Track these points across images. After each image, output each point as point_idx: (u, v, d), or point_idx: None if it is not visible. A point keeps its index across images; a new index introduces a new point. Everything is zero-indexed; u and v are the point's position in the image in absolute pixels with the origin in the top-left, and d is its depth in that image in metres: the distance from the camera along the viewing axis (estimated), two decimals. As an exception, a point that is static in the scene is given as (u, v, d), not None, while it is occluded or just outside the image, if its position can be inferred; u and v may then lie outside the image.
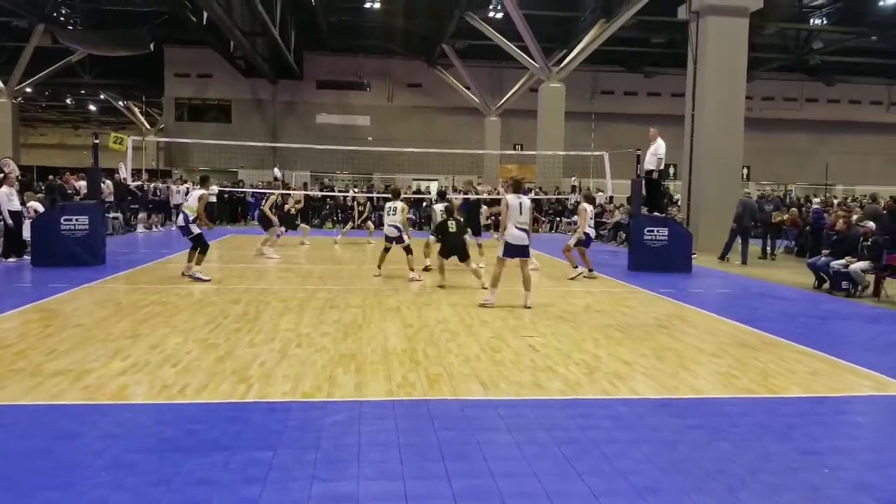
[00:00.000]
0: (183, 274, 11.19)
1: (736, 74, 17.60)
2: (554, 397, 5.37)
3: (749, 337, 7.76)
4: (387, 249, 11.99)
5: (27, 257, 12.86)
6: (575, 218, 25.92)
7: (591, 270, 12.56)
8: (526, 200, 9.37)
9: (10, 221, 13.03)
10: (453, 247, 11.04)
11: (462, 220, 11.64)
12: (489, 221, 17.74)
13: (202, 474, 3.76)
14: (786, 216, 18.36)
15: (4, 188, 13.17)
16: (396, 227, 11.73)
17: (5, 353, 6.24)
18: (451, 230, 11.07)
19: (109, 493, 3.51)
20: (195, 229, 11.19)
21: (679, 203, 20.79)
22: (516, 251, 9.27)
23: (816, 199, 24.61)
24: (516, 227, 9.19)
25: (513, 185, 9.85)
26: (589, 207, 12.86)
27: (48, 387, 5.26)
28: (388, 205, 12.04)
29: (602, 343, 7.25)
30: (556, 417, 4.88)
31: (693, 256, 14.25)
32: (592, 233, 13.06)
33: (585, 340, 7.35)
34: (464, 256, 11.01)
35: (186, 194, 24.31)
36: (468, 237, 13.49)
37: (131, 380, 5.50)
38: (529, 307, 9.17)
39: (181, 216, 11.50)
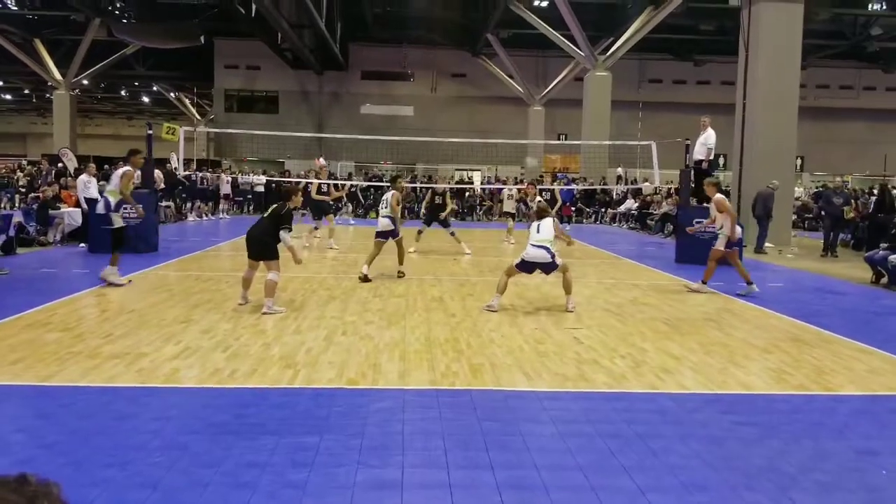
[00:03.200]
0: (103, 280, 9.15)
1: (790, 62, 17.07)
2: (599, 390, 5.32)
3: (803, 332, 7.56)
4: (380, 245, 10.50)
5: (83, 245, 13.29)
6: (622, 208, 25.81)
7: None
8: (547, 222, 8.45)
9: (86, 207, 13.47)
10: (253, 241, 7.99)
11: (282, 209, 8.01)
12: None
13: (251, 457, 3.85)
14: (853, 213, 17.19)
15: (84, 176, 14.10)
16: (390, 219, 10.47)
17: (64, 336, 6.46)
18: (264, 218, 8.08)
19: (164, 473, 3.61)
20: (117, 220, 9.30)
21: (729, 194, 20.30)
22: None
23: (875, 191, 23.75)
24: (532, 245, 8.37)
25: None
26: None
27: (105, 369, 5.44)
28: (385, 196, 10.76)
29: (648, 336, 7.14)
30: (600, 410, 4.83)
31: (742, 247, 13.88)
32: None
33: (631, 333, 7.26)
34: (269, 256, 7.87)
35: (235, 185, 24.90)
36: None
37: (183, 364, 5.64)
38: (572, 310, 8.37)
39: (102, 202, 9.52)
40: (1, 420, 4.44)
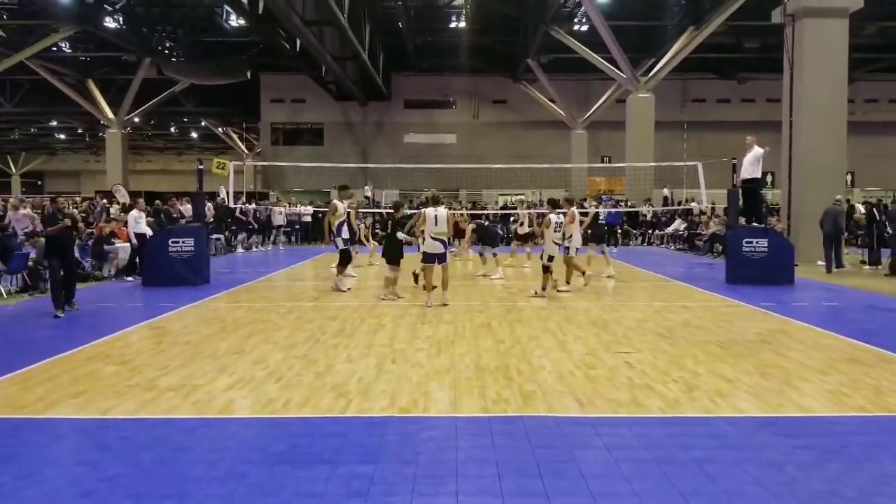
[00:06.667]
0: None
1: (836, 77, 16.78)
2: (653, 415, 5.25)
3: (860, 352, 7.34)
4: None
5: (138, 278, 13.68)
6: (669, 229, 25.46)
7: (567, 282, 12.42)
8: (441, 211, 10.56)
9: (135, 242, 14.07)
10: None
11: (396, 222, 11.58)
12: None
13: (308, 487, 3.90)
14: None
15: (134, 211, 14.44)
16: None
17: (122, 368, 6.66)
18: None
19: (222, 504, 3.69)
20: (339, 243, 12.48)
21: (779, 213, 19.91)
22: (433, 258, 10.57)
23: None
24: (432, 237, 10.45)
25: (431, 198, 11.16)
26: (553, 217, 11.41)
27: (162, 401, 5.59)
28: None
29: (701, 360, 7.02)
30: (655, 436, 4.77)
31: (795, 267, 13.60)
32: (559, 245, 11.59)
33: (684, 357, 7.15)
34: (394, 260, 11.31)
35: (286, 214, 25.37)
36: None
37: (238, 394, 5.76)
38: (447, 304, 10.46)
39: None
40: (65, 452, 4.59)
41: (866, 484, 3.97)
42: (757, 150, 13.45)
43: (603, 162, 36.23)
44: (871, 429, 4.98)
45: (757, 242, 13.06)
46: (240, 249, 22.55)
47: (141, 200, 15.35)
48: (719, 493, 3.83)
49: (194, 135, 54.69)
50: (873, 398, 5.67)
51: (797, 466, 4.22)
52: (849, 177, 30.14)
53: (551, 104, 36.74)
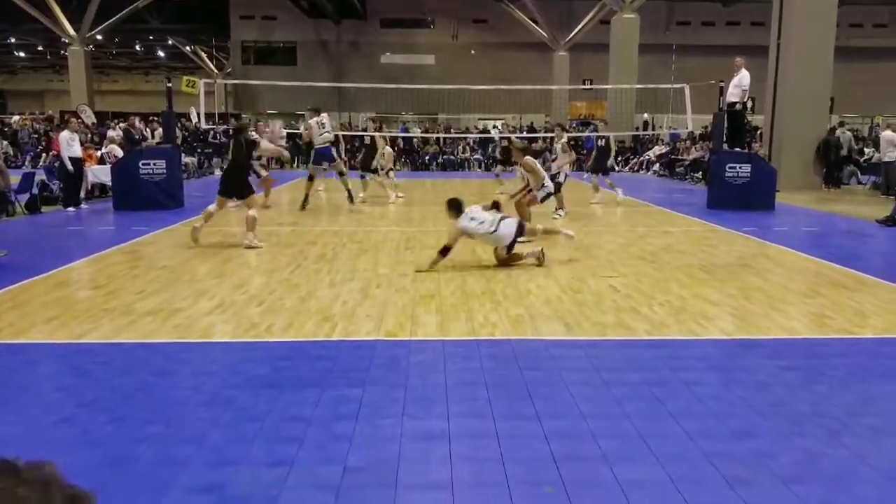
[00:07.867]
0: None
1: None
2: (640, 338, 5.23)
3: (841, 276, 7.39)
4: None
5: (85, 206, 13.02)
6: (650, 154, 25.20)
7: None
8: None
9: (70, 167, 12.53)
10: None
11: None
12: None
13: (295, 411, 3.82)
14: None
15: (65, 133, 12.67)
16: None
17: (97, 293, 6.47)
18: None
19: (208, 428, 3.60)
20: None
21: (761, 138, 19.85)
22: None
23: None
24: None
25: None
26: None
27: (140, 325, 5.43)
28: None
29: (686, 283, 7.02)
30: (644, 358, 4.76)
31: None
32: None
33: (668, 281, 7.13)
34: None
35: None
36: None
37: (219, 319, 5.63)
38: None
39: None
40: (40, 378, 4.44)
41: (852, 404, 3.99)
42: (743, 74, 13.21)
43: (584, 85, 35.67)
44: (855, 350, 5.02)
45: (740, 168, 12.99)
46: (217, 172, 22.02)
47: (74, 120, 13.68)
48: (709, 415, 3.82)
49: (161, 54, 52.62)
50: (857, 321, 5.71)
51: (785, 388, 4.23)
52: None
53: (533, 25, 35.80)
